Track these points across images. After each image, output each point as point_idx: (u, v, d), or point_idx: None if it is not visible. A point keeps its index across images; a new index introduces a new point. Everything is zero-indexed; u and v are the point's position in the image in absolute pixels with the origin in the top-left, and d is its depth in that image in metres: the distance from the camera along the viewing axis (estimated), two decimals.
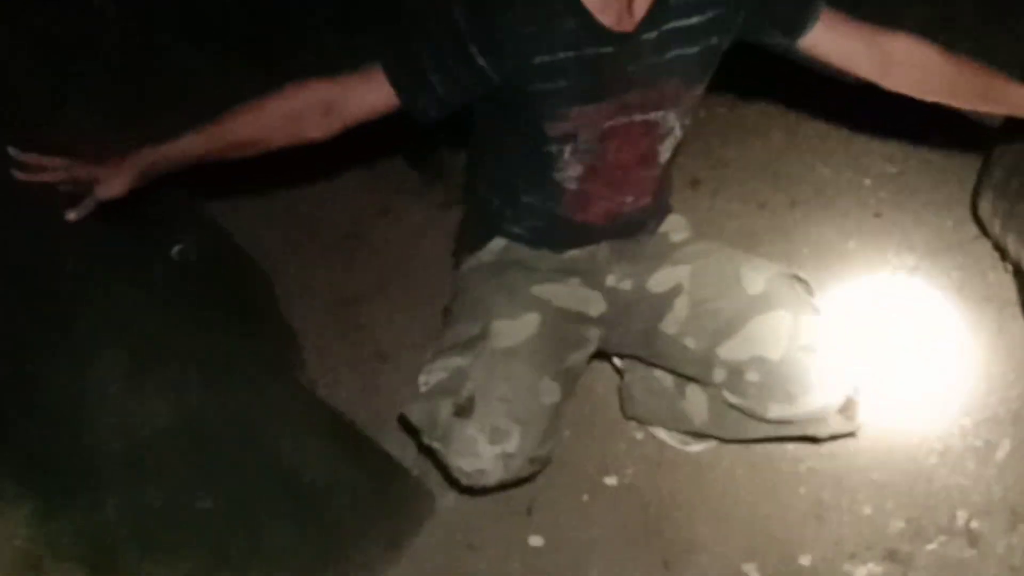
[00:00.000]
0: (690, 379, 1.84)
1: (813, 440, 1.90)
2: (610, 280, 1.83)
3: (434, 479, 1.97)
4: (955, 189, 2.53)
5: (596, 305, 1.80)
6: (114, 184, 1.50)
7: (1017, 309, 2.21)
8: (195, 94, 1.52)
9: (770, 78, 2.46)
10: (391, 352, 2.30)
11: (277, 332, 2.28)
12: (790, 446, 1.98)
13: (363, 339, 2.34)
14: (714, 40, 1.57)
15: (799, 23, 1.59)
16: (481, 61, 1.50)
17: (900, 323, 2.24)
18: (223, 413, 1.63)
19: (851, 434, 1.86)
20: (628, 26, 1.49)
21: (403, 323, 2.37)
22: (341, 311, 2.41)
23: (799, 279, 1.76)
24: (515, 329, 1.67)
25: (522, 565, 1.88)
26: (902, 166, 2.64)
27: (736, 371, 1.68)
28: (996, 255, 2.34)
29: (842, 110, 2.66)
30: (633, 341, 1.86)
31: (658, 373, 1.92)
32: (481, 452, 1.61)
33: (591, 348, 1.80)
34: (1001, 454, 1.97)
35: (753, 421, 1.74)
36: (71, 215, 1.49)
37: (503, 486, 1.75)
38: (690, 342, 1.73)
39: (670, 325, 1.76)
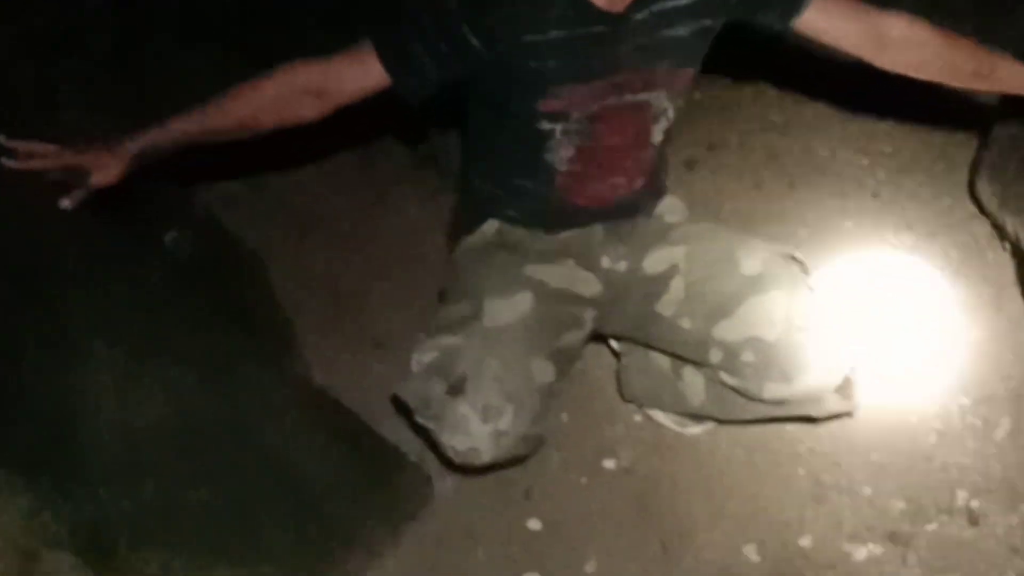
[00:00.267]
0: (687, 361, 1.84)
1: (811, 420, 1.90)
2: (605, 261, 1.82)
3: (432, 465, 1.96)
4: (952, 169, 2.52)
5: (591, 286, 1.80)
6: (107, 171, 1.49)
7: (1015, 288, 2.21)
8: (191, 93, 1.52)
9: (766, 59, 2.46)
10: (387, 340, 2.29)
11: (272, 323, 2.28)
12: (789, 427, 1.98)
13: (359, 327, 2.33)
14: (706, 22, 1.57)
15: (794, 4, 1.58)
16: (472, 40, 1.50)
17: (898, 303, 2.24)
18: (218, 405, 1.63)
19: (848, 414, 1.85)
20: (619, 6, 1.48)
21: (399, 310, 2.36)
22: (336, 300, 2.40)
23: (795, 259, 1.76)
24: (508, 308, 1.67)
25: (521, 549, 1.87)
26: (899, 146, 2.63)
27: (732, 352, 1.68)
28: (994, 234, 2.33)
29: (838, 90, 2.65)
30: (629, 323, 1.85)
31: (655, 355, 1.92)
32: (473, 430, 1.60)
33: (586, 329, 1.80)
34: (1000, 433, 1.97)
35: (750, 402, 1.74)
36: (65, 203, 1.48)
37: (497, 466, 1.75)
38: (686, 323, 1.73)
39: (666, 306, 1.75)
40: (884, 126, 2.66)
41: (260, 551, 1.60)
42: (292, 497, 1.69)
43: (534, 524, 1.91)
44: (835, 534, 1.85)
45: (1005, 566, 1.76)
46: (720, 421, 1.97)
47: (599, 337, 1.99)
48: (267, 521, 1.63)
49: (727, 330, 1.68)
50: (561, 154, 1.67)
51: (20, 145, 1.47)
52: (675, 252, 1.77)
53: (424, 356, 1.67)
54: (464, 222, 1.89)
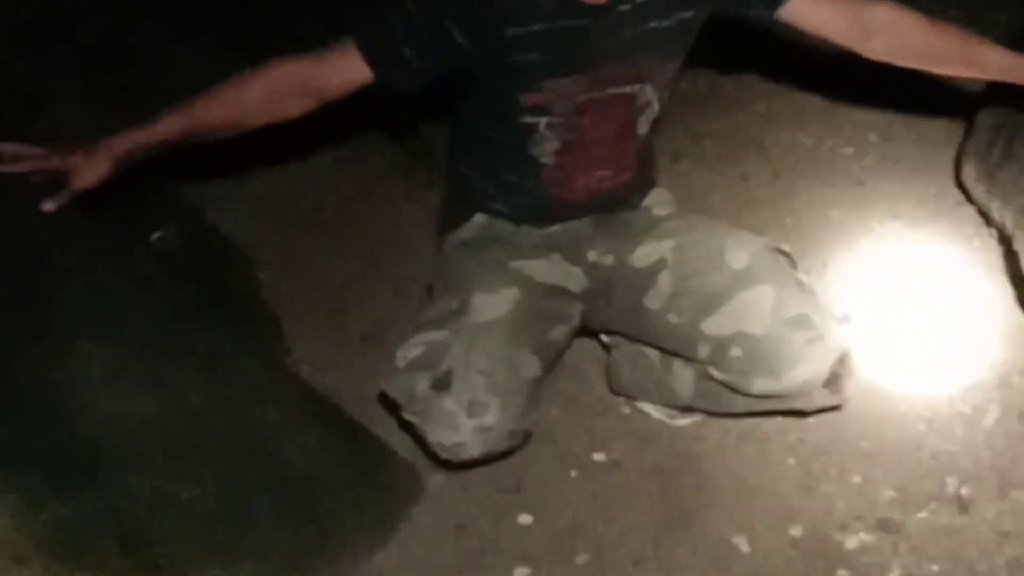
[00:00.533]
0: (676, 354, 1.84)
1: (800, 414, 1.90)
2: (592, 255, 1.82)
3: (422, 460, 1.96)
4: (938, 156, 2.53)
5: (578, 280, 1.80)
6: (89, 173, 1.49)
7: (1002, 274, 2.21)
8: (183, 85, 1.52)
9: (751, 49, 2.46)
10: (377, 334, 2.28)
11: (261, 317, 2.27)
12: (778, 418, 1.97)
13: (348, 322, 2.33)
14: (690, 13, 1.56)
15: None
16: (456, 34, 1.50)
17: (885, 292, 2.24)
18: (208, 401, 1.62)
19: (837, 408, 1.86)
20: None
21: (388, 304, 2.36)
22: (325, 294, 2.40)
23: (783, 252, 1.76)
24: (494, 303, 1.67)
25: (512, 543, 1.87)
26: (884, 134, 2.64)
27: (720, 347, 1.68)
28: (980, 221, 2.34)
29: (823, 80, 2.66)
30: (617, 317, 1.85)
31: (645, 349, 1.92)
32: (459, 425, 1.60)
33: (573, 324, 1.80)
34: (989, 420, 1.97)
35: (739, 395, 1.74)
36: (48, 206, 1.48)
37: (485, 460, 1.76)
38: (673, 318, 1.73)
39: (653, 300, 1.75)
40: (869, 115, 2.66)
41: (251, 547, 1.60)
42: (283, 492, 1.68)
43: (525, 518, 1.91)
44: (826, 523, 1.85)
45: (995, 552, 1.76)
46: (710, 413, 1.97)
47: (589, 331, 1.99)
48: (258, 517, 1.63)
49: (715, 325, 1.67)
50: (546, 148, 1.66)
51: (6, 148, 1.47)
52: (663, 246, 1.77)
53: (410, 351, 1.67)
54: (452, 216, 1.89)
